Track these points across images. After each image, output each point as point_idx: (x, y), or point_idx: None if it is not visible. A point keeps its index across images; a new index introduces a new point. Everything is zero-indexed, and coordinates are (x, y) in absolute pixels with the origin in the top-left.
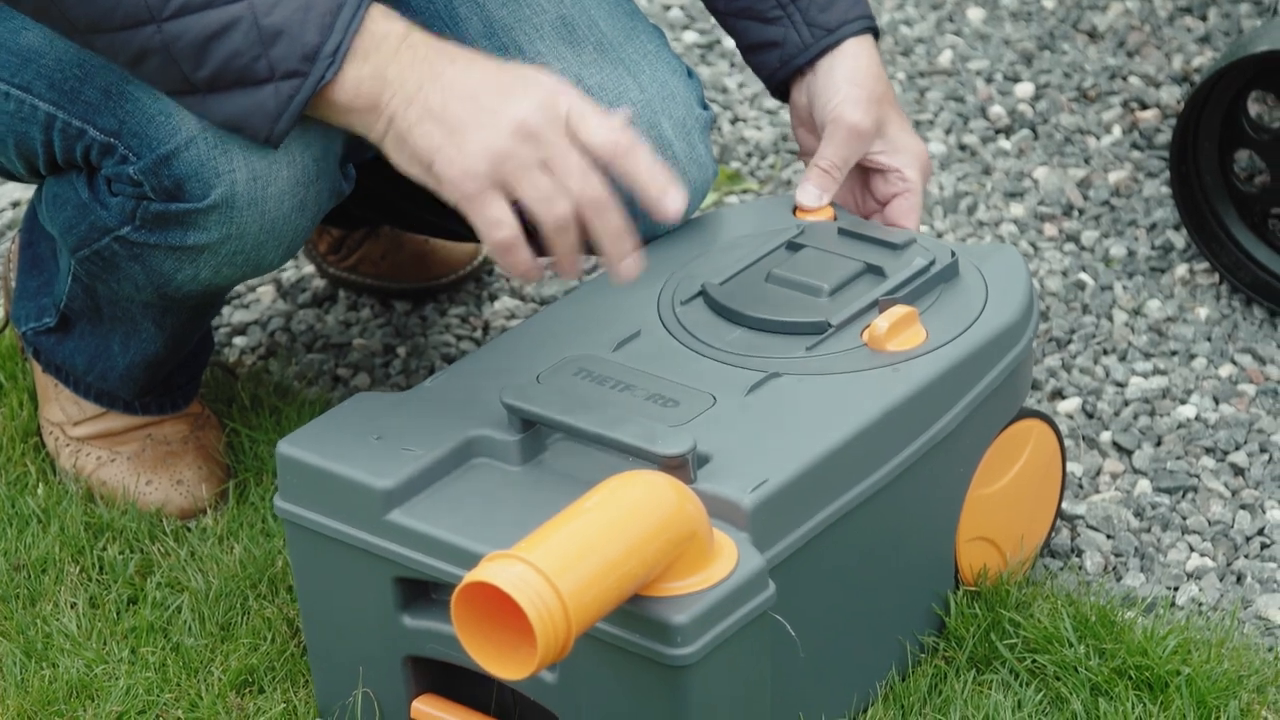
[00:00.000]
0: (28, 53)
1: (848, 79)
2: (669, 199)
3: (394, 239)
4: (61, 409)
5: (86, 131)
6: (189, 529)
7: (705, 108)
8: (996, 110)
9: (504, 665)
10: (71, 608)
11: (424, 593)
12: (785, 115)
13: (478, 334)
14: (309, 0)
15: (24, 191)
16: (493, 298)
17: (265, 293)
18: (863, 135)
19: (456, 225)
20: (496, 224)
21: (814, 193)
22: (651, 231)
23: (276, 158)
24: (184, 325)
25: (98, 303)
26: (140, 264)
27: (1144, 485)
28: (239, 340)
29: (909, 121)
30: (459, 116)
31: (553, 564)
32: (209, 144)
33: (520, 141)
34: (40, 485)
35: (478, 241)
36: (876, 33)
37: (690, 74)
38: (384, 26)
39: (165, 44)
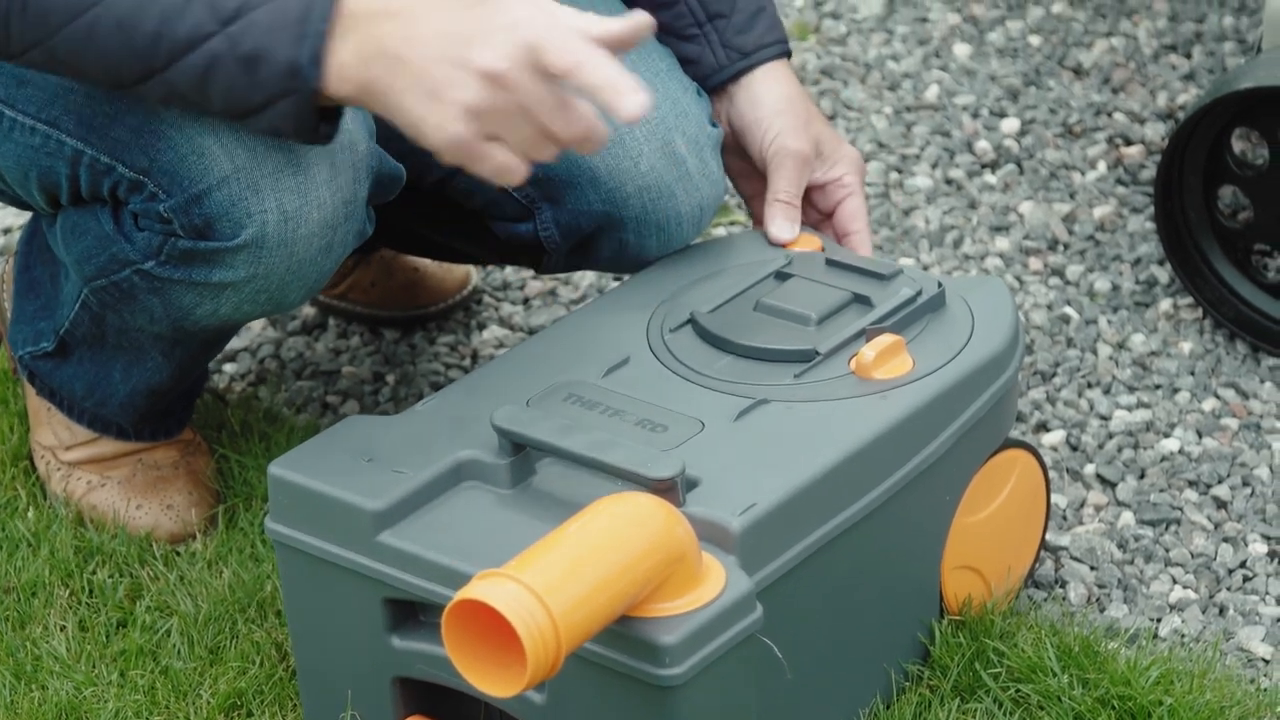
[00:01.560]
0: (56, 88)
1: (776, 110)
2: (628, 102)
3: (384, 267)
4: (54, 433)
5: (116, 168)
6: (178, 553)
7: (715, 125)
8: (982, 145)
9: (494, 683)
10: (61, 630)
11: (413, 614)
12: None
13: (466, 362)
14: (277, 10)
15: (16, 218)
16: (481, 326)
17: (255, 320)
18: (806, 160)
19: (462, 245)
20: (506, 170)
21: (785, 226)
22: (644, 258)
23: (307, 200)
24: (192, 357)
25: (103, 331)
26: (159, 297)
27: (1127, 517)
28: (229, 367)
29: (833, 128)
30: (434, 78)
31: (544, 582)
32: (241, 184)
33: (493, 92)
34: (30, 509)
35: (480, 263)
36: (789, 54)
37: (700, 92)
38: (351, 6)
39: (174, 91)
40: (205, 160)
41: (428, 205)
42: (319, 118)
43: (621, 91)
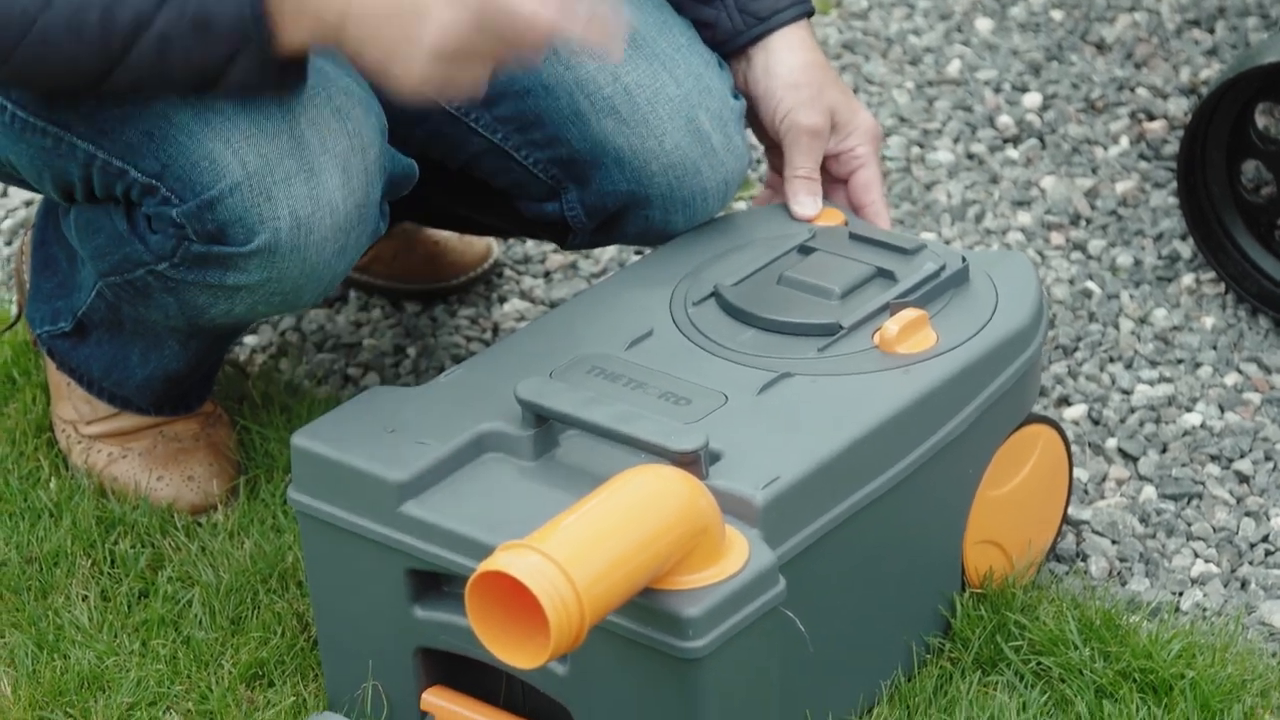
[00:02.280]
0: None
1: (788, 82)
2: (616, 49)
3: (406, 240)
4: (74, 407)
5: (128, 172)
6: (200, 524)
7: (737, 97)
8: (1004, 120)
9: (517, 655)
10: (83, 600)
11: (435, 585)
12: None
13: (487, 335)
14: None
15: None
16: (502, 299)
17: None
18: (821, 134)
19: (488, 220)
20: (472, 92)
21: (808, 202)
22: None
23: (320, 206)
24: (208, 347)
25: (120, 318)
26: (174, 297)
27: (1149, 492)
28: (250, 339)
29: (851, 95)
30: (389, 35)
31: (567, 554)
32: (254, 190)
33: (468, 30)
34: (53, 479)
35: (505, 236)
36: (811, 11)
37: (721, 64)
38: None
39: (139, 77)
40: (217, 166)
41: (454, 184)
42: (282, 68)
43: (611, 31)
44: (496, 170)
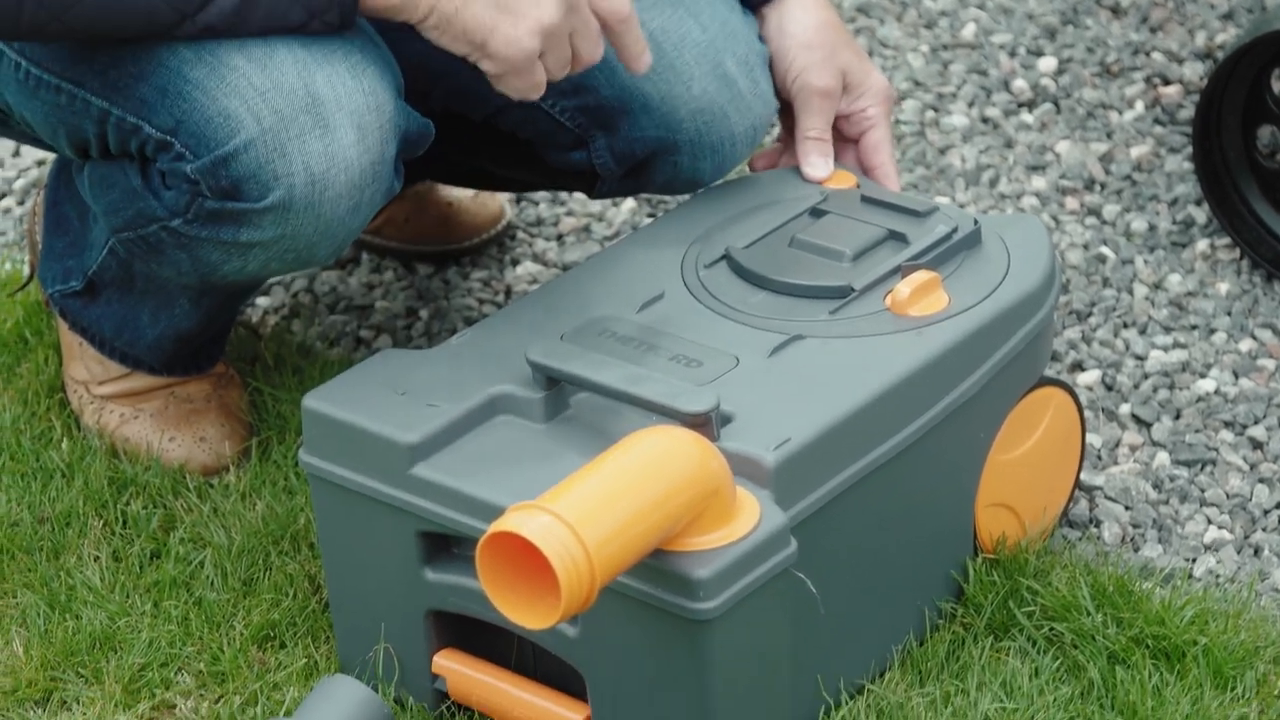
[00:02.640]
0: (81, 48)
1: (801, 42)
2: (642, 61)
3: (418, 202)
4: (86, 368)
5: (142, 128)
6: (211, 485)
7: (763, 41)
8: (1019, 84)
9: (528, 616)
10: (95, 561)
11: (446, 547)
12: None
13: (499, 298)
14: None
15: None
16: (515, 262)
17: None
18: (833, 94)
19: (512, 173)
20: (538, 87)
21: (820, 163)
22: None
23: (334, 163)
24: (220, 305)
25: (131, 276)
26: (187, 253)
27: (1163, 458)
28: (262, 300)
29: (864, 56)
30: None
31: (578, 515)
32: (268, 147)
33: (566, 15)
34: (65, 440)
35: (529, 190)
36: None
37: (746, 11)
38: None
39: (207, 28)
40: (232, 122)
41: (477, 138)
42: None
43: (640, 54)
44: (522, 121)
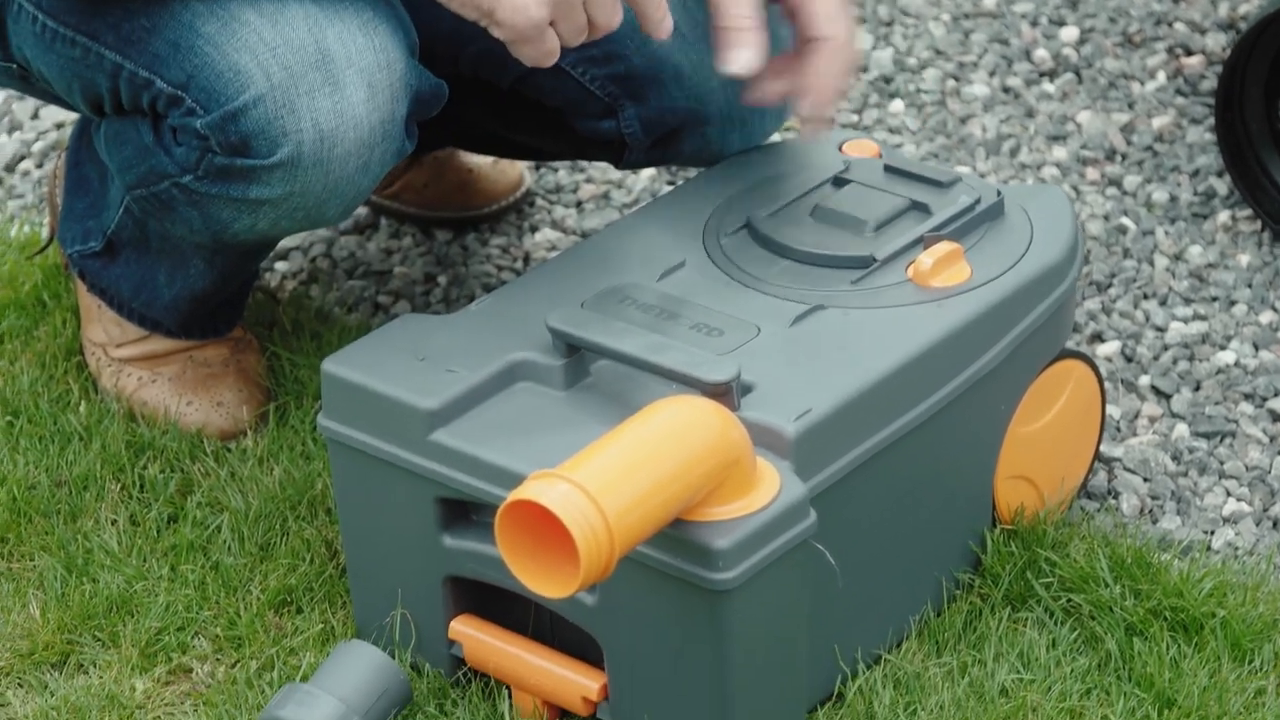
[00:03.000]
0: (96, 2)
1: None
2: (663, 28)
3: (437, 168)
4: (104, 330)
5: (154, 83)
6: (229, 450)
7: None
8: (1041, 54)
9: (547, 585)
10: (112, 524)
11: (465, 514)
12: None
13: (518, 264)
14: None
15: (69, 113)
16: (534, 229)
17: (296, 234)
18: None
19: (538, 142)
20: (550, 54)
21: (733, 57)
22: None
23: (344, 120)
24: (233, 266)
25: (146, 235)
26: (198, 210)
27: (1182, 429)
28: (281, 265)
29: None
30: None
31: (597, 484)
32: (277, 103)
33: None
34: (82, 403)
35: (554, 160)
36: None
37: None
38: None
39: None
40: (242, 77)
41: (502, 104)
42: None
43: (663, 19)
44: (551, 88)
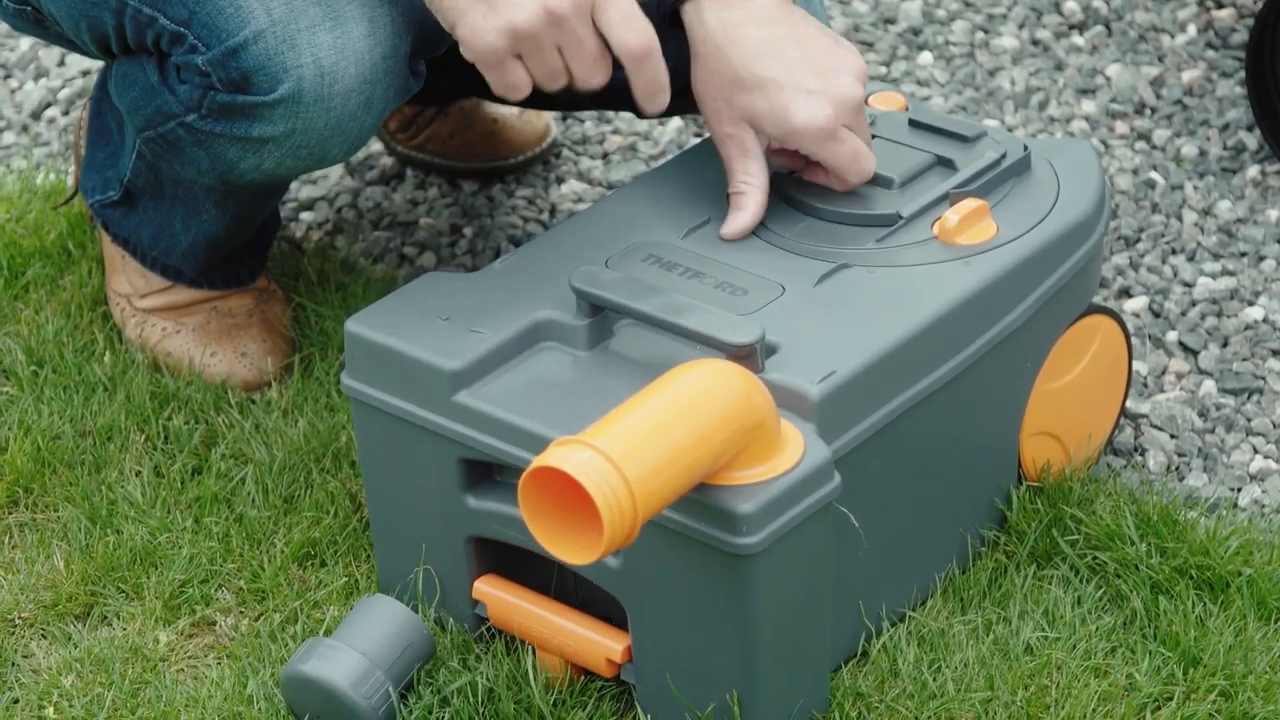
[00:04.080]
0: None
1: (700, 78)
2: (654, 103)
3: (463, 119)
4: (129, 280)
5: (157, 19)
6: (253, 401)
7: None
8: (1070, 6)
9: (570, 550)
10: (136, 476)
11: (488, 474)
12: (855, 4)
13: (544, 216)
14: None
15: (96, 61)
16: (560, 180)
17: (333, 169)
18: (743, 145)
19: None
20: (513, 87)
21: (732, 220)
22: None
23: (344, 55)
24: (245, 210)
25: (160, 181)
26: (205, 150)
27: (1209, 386)
28: (306, 215)
29: (785, 72)
30: None
31: (620, 450)
32: (277, 39)
33: (544, 25)
34: (107, 353)
35: (564, 110)
36: None
37: None
38: None
39: None
40: (242, 14)
41: None
42: None
43: (655, 94)
44: None
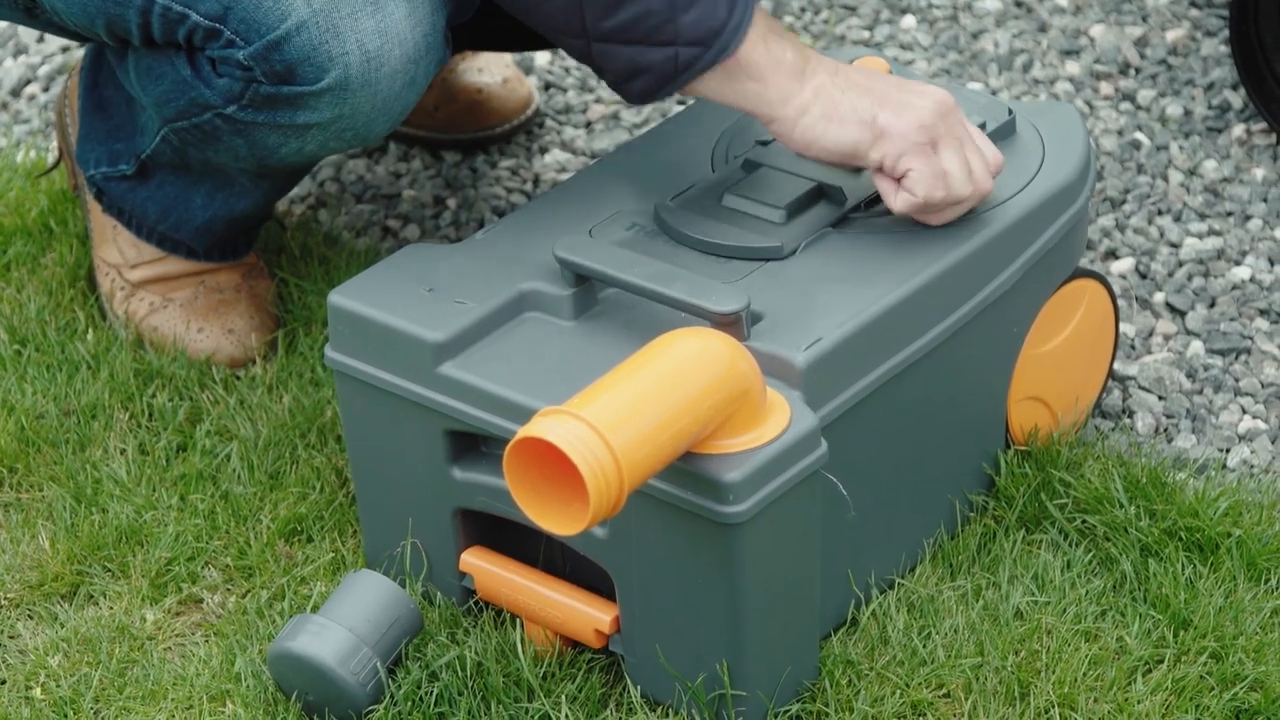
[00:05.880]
0: None
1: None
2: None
3: (447, 90)
4: (119, 250)
5: (189, 16)
6: (238, 378)
7: None
8: None
9: (556, 521)
10: (121, 454)
11: (474, 446)
12: None
13: (528, 186)
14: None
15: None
16: (543, 150)
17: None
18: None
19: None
20: (944, 175)
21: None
22: None
23: (388, 39)
24: (278, 187)
25: (187, 161)
26: (244, 138)
27: (1196, 346)
28: None
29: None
30: (884, 92)
31: (606, 420)
32: (320, 28)
33: (943, 115)
34: (90, 331)
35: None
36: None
37: None
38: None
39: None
40: (282, 6)
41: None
42: (683, 84)
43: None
44: None
